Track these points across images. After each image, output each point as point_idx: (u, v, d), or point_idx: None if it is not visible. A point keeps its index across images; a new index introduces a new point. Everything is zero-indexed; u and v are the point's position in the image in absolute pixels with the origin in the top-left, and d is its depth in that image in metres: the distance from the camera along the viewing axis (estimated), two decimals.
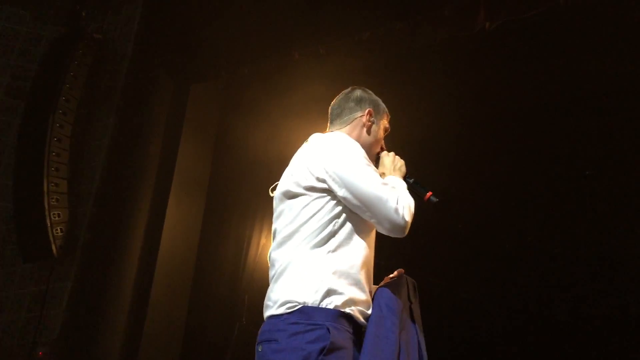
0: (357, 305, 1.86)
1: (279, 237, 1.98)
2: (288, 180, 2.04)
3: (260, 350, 1.82)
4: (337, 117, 2.24)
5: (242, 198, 5.63)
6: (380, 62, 5.13)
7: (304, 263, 1.85)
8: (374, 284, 2.07)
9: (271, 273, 1.98)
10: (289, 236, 1.92)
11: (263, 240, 5.46)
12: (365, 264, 1.93)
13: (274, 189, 2.19)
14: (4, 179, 5.42)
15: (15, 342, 4.99)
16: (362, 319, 1.87)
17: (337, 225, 1.91)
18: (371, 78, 4.64)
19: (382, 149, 2.28)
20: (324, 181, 1.93)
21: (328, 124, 2.31)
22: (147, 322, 5.03)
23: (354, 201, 1.89)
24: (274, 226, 2.10)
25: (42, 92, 5.38)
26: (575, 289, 4.13)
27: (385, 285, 2.04)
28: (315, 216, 1.90)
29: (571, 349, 4.01)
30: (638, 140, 4.13)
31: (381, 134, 2.26)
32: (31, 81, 5.59)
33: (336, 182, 1.91)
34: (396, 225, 1.89)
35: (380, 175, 2.05)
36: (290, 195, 1.99)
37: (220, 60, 5.65)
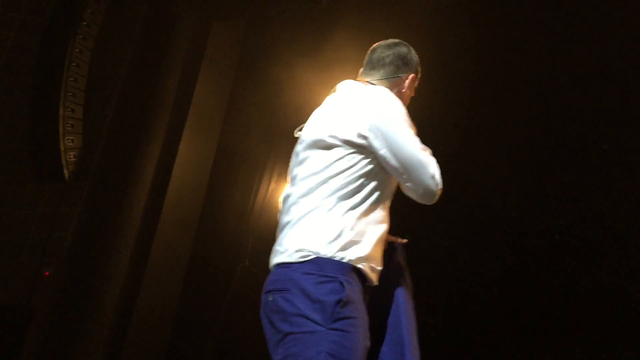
0: (369, 262, 1.86)
1: (301, 184, 1.94)
2: (321, 129, 1.97)
3: (271, 299, 1.80)
4: (380, 67, 2.15)
5: (254, 142, 5.63)
6: (402, 19, 5.03)
7: (324, 214, 1.82)
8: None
9: (286, 218, 1.95)
10: (315, 187, 1.88)
11: (272, 185, 5.48)
12: (383, 223, 1.93)
13: (300, 130, 2.16)
14: (22, 97, 5.44)
15: (24, 261, 5.11)
16: (371, 275, 1.88)
17: (366, 183, 1.88)
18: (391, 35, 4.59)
19: None
20: (365, 138, 1.88)
21: (364, 68, 2.23)
22: (153, 249, 5.12)
23: (393, 162, 1.86)
24: (294, 170, 2.06)
25: (63, 15, 5.34)
26: (577, 263, 4.16)
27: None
28: (346, 171, 1.86)
29: (566, 315, 4.07)
30: None
31: (408, 99, 2.21)
32: (53, 4, 5.54)
33: (379, 140, 1.87)
34: (430, 192, 1.89)
35: None
36: (322, 145, 1.93)
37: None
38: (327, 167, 1.88)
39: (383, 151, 1.86)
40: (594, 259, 4.10)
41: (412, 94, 2.23)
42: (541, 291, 4.22)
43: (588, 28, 4.38)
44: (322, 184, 1.86)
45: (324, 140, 1.93)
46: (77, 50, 5.17)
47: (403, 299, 2.01)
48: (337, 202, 1.83)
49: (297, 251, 1.80)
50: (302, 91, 4.72)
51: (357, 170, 1.87)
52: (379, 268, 1.91)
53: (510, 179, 4.46)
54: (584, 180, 4.25)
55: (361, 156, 1.88)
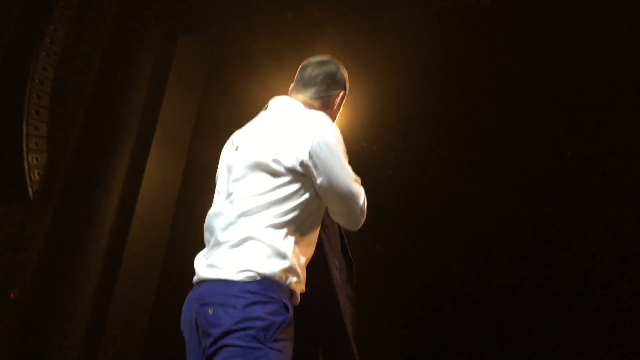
0: (301, 285, 1.98)
1: (240, 204, 1.97)
2: (263, 152, 2.01)
3: (211, 312, 1.83)
4: (312, 86, 2.25)
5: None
6: (377, 26, 5.06)
7: (269, 239, 1.89)
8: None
9: (223, 236, 1.97)
10: (257, 209, 1.94)
11: None
12: (313, 246, 2.05)
13: (232, 143, 2.24)
14: None
15: None
16: (299, 297, 1.98)
17: (305, 209, 1.97)
18: (365, 42, 4.61)
19: None
20: (306, 167, 1.96)
21: (296, 85, 2.32)
22: (122, 268, 5.04)
23: (329, 191, 1.96)
24: (229, 187, 2.09)
25: (25, 32, 5.25)
26: (548, 269, 4.21)
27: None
28: (290, 197, 1.94)
29: (538, 322, 4.12)
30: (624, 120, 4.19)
31: (336, 115, 2.33)
32: (14, 20, 5.44)
33: (317, 169, 1.95)
34: (357, 221, 2.04)
35: None
36: (265, 169, 1.98)
37: (212, 14, 5.54)
38: (270, 191, 1.94)
39: (320, 179, 1.95)
40: (564, 265, 4.16)
41: (340, 109, 2.35)
42: (512, 298, 4.27)
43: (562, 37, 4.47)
44: (265, 208, 1.93)
45: (267, 164, 1.98)
46: (40, 67, 5.08)
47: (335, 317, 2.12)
48: (280, 228, 1.91)
49: (242, 271, 1.85)
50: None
51: (299, 197, 1.96)
52: (303, 293, 2.02)
53: (480, 186, 4.51)
54: (552, 186, 4.33)
55: (301, 183, 1.96)
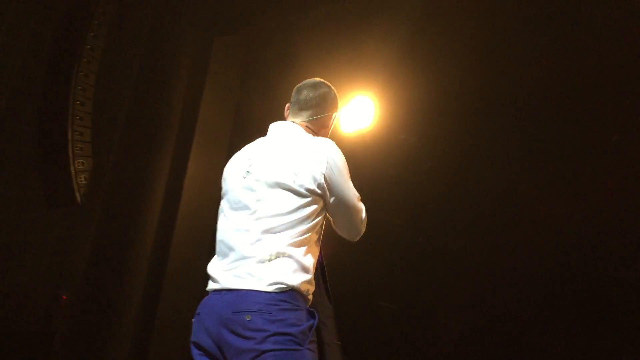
0: (311, 297, 2.19)
1: (265, 222, 2.16)
2: (284, 173, 2.19)
3: (249, 319, 2.01)
4: (308, 109, 2.43)
5: None
6: (414, 17, 5.02)
7: (295, 254, 2.10)
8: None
9: (250, 251, 2.15)
10: (282, 227, 2.13)
11: None
12: (317, 255, 2.25)
13: (251, 168, 2.36)
14: (30, 126, 5.48)
15: (39, 286, 5.14)
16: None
17: (319, 228, 2.23)
18: (404, 33, 4.58)
19: None
20: (322, 188, 2.18)
21: (292, 108, 2.50)
22: (168, 267, 5.13)
23: (339, 208, 2.23)
24: (253, 204, 2.23)
25: (66, 40, 5.38)
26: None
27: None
28: (309, 217, 2.16)
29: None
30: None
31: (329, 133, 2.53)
32: (56, 29, 5.59)
33: (329, 190, 2.19)
34: (358, 234, 2.32)
35: None
36: (288, 189, 2.18)
37: (245, 13, 5.58)
38: (294, 210, 2.15)
39: (332, 199, 2.20)
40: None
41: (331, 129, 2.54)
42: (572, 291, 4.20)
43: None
44: (290, 227, 2.13)
45: (289, 185, 2.17)
46: (82, 73, 5.21)
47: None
48: (303, 244, 2.14)
49: (274, 284, 2.05)
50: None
51: (316, 216, 2.19)
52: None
53: (526, 176, 4.44)
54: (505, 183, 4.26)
55: (319, 202, 2.20)
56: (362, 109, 5.06)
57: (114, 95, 5.53)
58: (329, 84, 2.52)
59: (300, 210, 2.14)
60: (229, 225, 2.28)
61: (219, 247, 2.33)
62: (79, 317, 4.83)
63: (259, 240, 2.13)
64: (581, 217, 4.15)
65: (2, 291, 5.29)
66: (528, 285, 4.25)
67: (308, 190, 2.14)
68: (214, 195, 5.74)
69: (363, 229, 2.31)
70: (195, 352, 2.20)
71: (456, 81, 4.60)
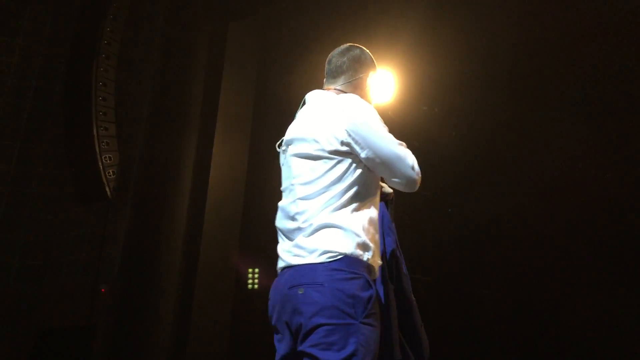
0: (377, 259, 2.09)
1: (300, 194, 2.12)
2: (307, 144, 2.15)
3: (301, 292, 1.96)
4: (340, 74, 2.36)
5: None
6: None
7: (338, 220, 2.02)
8: None
9: (293, 224, 2.12)
10: (314, 195, 2.08)
11: None
12: (376, 218, 2.14)
13: (280, 145, 2.36)
14: (56, 127, 5.56)
15: (78, 280, 5.26)
16: (376, 271, 2.10)
17: (359, 186, 2.08)
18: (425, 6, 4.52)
19: None
20: (348, 144, 2.06)
21: (327, 78, 2.43)
22: (201, 253, 5.19)
23: (377, 160, 2.06)
24: (290, 182, 2.21)
25: (83, 37, 5.43)
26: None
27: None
28: (341, 179, 2.06)
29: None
30: None
31: (368, 96, 2.38)
32: (72, 27, 5.63)
33: (359, 144, 2.06)
34: (411, 181, 2.10)
35: None
36: (312, 157, 2.12)
37: None
38: (320, 177, 2.08)
39: (365, 152, 2.06)
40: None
41: (373, 88, 2.40)
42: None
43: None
44: (320, 194, 2.07)
45: (312, 154, 2.12)
46: (101, 69, 5.26)
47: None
48: (343, 207, 2.04)
49: (323, 253, 1.98)
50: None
51: (349, 176, 2.07)
52: (379, 262, 2.13)
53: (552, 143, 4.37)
54: None
55: (349, 162, 2.08)
56: (382, 82, 5.03)
57: (135, 88, 5.58)
58: (360, 46, 2.43)
59: (329, 173, 2.07)
60: (281, 203, 2.25)
61: (279, 225, 2.26)
62: (119, 308, 4.94)
63: (300, 213, 2.09)
64: (617, 189, 4.09)
65: (43, 289, 5.43)
66: (560, 252, 4.21)
67: (332, 152, 2.07)
68: (240, 180, 5.82)
69: (416, 176, 2.10)
70: (275, 337, 2.13)
71: (480, 51, 4.52)
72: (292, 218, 2.12)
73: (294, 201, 2.13)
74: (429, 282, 4.87)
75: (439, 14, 4.69)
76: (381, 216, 2.34)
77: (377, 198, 2.18)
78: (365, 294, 1.92)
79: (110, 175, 5.15)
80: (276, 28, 6.06)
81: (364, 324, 1.89)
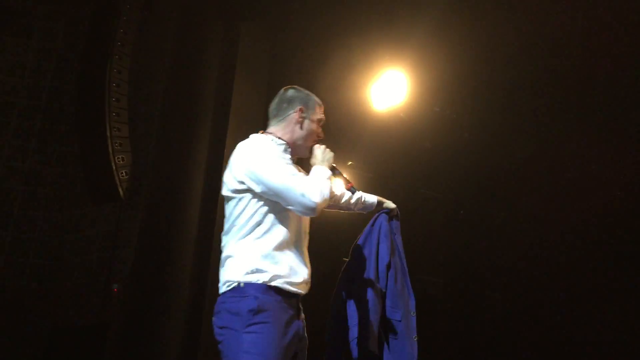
0: (284, 279, 2.25)
1: (224, 230, 2.38)
2: (224, 187, 2.40)
3: (212, 323, 2.28)
4: (273, 117, 2.55)
5: None
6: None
7: (236, 250, 2.27)
8: None
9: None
10: (227, 231, 2.33)
11: None
12: (289, 244, 2.31)
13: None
14: (70, 125, 5.60)
15: (90, 280, 5.30)
16: (291, 288, 2.27)
17: (260, 216, 2.28)
18: (423, 16, 4.53)
19: (318, 139, 2.54)
20: (243, 183, 2.29)
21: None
22: (213, 253, 5.21)
23: (270, 192, 2.25)
24: None
25: (97, 38, 5.47)
26: None
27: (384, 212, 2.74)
28: (243, 212, 2.29)
29: None
30: None
31: (314, 126, 2.53)
32: (86, 28, 5.67)
33: (253, 181, 2.26)
34: (306, 207, 2.23)
35: (312, 164, 2.42)
36: (226, 199, 2.39)
37: None
38: (231, 214, 2.34)
39: (259, 188, 2.26)
40: None
41: (317, 119, 2.55)
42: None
43: None
44: (231, 228, 2.32)
45: (224, 195, 2.39)
46: (115, 70, 5.29)
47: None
48: (243, 238, 2.27)
49: (224, 283, 2.27)
50: (338, 86, 4.72)
51: (251, 208, 2.28)
52: (299, 281, 2.30)
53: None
54: None
55: (249, 196, 2.29)
56: (394, 84, 5.02)
57: (147, 90, 5.61)
58: (293, 86, 2.60)
59: (235, 210, 2.30)
60: None
61: None
62: (131, 308, 4.97)
63: (222, 248, 2.37)
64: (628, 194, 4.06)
65: (58, 289, 5.48)
66: (570, 255, 4.20)
67: (234, 191, 2.30)
68: None
69: (309, 202, 2.22)
70: None
71: (489, 53, 4.51)
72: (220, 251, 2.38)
73: (221, 236, 2.38)
74: (441, 284, 4.85)
75: (452, 15, 4.68)
76: (378, 227, 2.72)
77: (288, 226, 2.32)
78: (246, 308, 2.14)
79: (123, 176, 5.18)
80: (288, 29, 6.06)
81: (247, 332, 2.12)
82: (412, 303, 2.68)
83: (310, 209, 2.23)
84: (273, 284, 2.21)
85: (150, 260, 5.09)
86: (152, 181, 5.31)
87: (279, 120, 2.52)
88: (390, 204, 2.80)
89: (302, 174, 2.35)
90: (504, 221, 4.43)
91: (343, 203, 2.77)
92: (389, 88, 5.08)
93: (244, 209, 2.29)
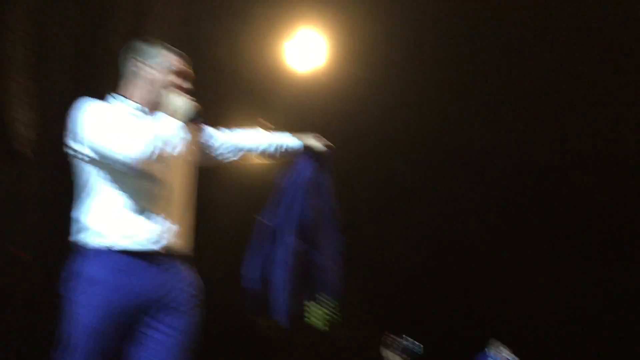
0: (102, 238, 2.15)
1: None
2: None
3: None
4: (122, 79, 2.36)
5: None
6: None
7: (78, 216, 2.20)
8: None
9: None
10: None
11: None
12: (120, 204, 2.17)
13: None
14: None
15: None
16: (92, 244, 2.16)
17: (93, 179, 2.17)
18: None
19: (177, 87, 2.30)
20: (74, 146, 2.15)
21: None
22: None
23: (91, 154, 2.12)
24: None
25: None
26: None
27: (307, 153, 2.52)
28: (80, 177, 2.20)
29: None
30: None
31: (157, 75, 2.31)
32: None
33: (76, 143, 2.14)
34: (125, 163, 2.08)
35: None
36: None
37: None
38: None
39: (84, 149, 2.13)
40: None
41: (165, 67, 2.32)
42: None
43: None
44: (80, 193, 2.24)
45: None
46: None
47: None
48: (84, 205, 2.19)
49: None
50: (254, 39, 4.57)
51: (84, 173, 2.18)
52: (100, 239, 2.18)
53: None
54: None
55: (78, 164, 2.18)
56: (311, 45, 4.96)
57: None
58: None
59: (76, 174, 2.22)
60: None
61: None
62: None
63: None
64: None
65: None
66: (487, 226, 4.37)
67: (73, 157, 2.19)
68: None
69: (127, 159, 2.07)
70: None
71: (416, 15, 4.53)
72: None
73: None
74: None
75: None
76: (298, 174, 2.50)
77: (121, 185, 2.19)
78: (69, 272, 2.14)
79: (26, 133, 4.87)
80: None
81: (70, 299, 2.11)
82: (339, 244, 2.53)
83: (132, 162, 2.05)
84: (85, 241, 2.16)
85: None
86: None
87: (124, 79, 2.33)
88: (317, 146, 2.53)
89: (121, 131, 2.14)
90: (419, 182, 4.57)
91: (261, 153, 2.54)
92: (307, 47, 5.00)
93: (77, 173, 2.22)
